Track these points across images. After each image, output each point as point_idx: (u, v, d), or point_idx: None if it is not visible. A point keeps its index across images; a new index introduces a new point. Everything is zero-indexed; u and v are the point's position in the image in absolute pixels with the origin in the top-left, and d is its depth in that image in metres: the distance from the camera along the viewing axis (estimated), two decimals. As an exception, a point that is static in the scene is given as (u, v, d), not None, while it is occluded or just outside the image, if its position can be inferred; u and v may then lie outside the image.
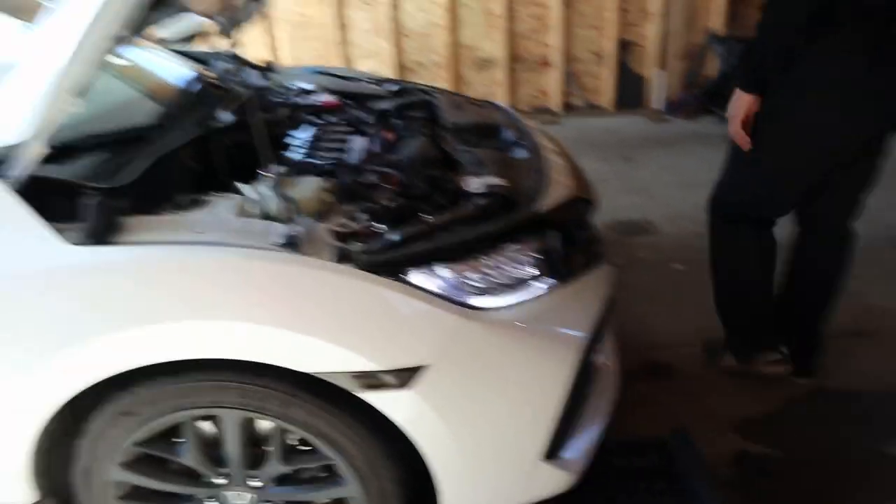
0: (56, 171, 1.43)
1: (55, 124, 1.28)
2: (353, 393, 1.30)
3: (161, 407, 1.34)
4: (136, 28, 1.49)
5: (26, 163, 1.27)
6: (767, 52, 1.91)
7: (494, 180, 1.64)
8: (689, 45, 5.73)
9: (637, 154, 4.84)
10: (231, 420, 1.37)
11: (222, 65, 2.68)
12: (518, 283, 1.47)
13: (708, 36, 5.69)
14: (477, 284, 1.40)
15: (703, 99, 5.70)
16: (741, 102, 1.98)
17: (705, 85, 5.77)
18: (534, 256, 1.51)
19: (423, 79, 5.73)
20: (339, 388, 1.30)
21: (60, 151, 1.51)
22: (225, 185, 1.75)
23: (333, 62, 5.62)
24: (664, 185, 4.21)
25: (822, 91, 1.89)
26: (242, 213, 1.47)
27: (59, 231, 1.27)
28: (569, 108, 5.89)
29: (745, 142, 2.05)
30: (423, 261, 1.35)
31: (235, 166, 1.87)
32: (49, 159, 1.48)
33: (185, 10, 2.11)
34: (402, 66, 5.72)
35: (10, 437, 1.35)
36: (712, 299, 2.49)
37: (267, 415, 1.34)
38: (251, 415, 1.35)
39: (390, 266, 1.31)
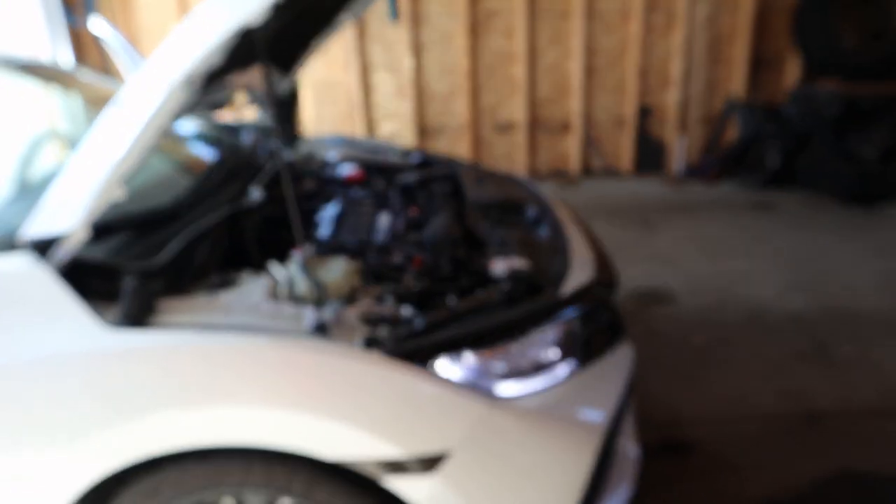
0: (94, 252, 1.48)
1: (98, 210, 1.33)
2: (377, 479, 1.31)
3: (187, 488, 1.36)
4: (181, 117, 1.57)
5: (70, 247, 1.32)
6: None
7: (519, 263, 1.67)
8: (709, 110, 5.82)
9: (656, 219, 4.87)
10: (255, 501, 1.38)
11: (251, 136, 2.78)
12: (541, 368, 1.49)
13: (728, 102, 5.78)
14: (501, 370, 1.42)
15: (723, 164, 5.76)
16: None
17: (725, 150, 5.83)
18: (556, 340, 1.53)
19: (444, 140, 5.87)
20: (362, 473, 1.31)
21: (101, 230, 1.57)
22: (255, 262, 1.81)
23: (356, 123, 5.77)
24: (684, 252, 4.23)
25: None
26: (273, 294, 1.51)
27: (98, 312, 1.31)
28: (587, 171, 5.98)
29: None
30: (450, 348, 1.37)
31: (265, 242, 1.93)
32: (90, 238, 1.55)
33: (227, 87, 2.21)
34: (423, 128, 5.85)
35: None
36: (733, 373, 2.47)
37: (290, 496, 1.35)
38: (274, 497, 1.36)
39: (417, 353, 1.33)
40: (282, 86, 2.77)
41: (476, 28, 5.57)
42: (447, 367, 1.36)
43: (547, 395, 1.45)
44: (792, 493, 2.14)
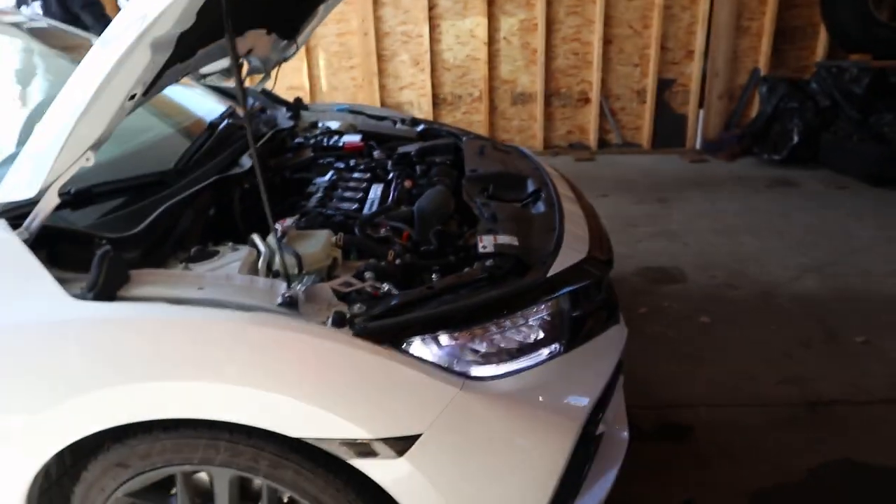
0: (71, 220, 1.46)
1: (66, 177, 1.30)
2: (345, 459, 1.28)
3: (154, 460, 1.34)
4: (160, 84, 1.52)
5: (39, 215, 1.30)
6: None
7: (506, 240, 1.61)
8: (731, 84, 5.66)
9: (672, 195, 4.76)
10: (222, 478, 1.36)
11: (254, 102, 2.74)
12: (522, 349, 1.44)
13: (753, 73, 5.61)
14: (479, 351, 1.37)
15: (744, 139, 5.61)
16: None
17: (747, 125, 5.68)
18: (540, 322, 1.48)
19: (461, 111, 5.77)
20: (329, 453, 1.28)
21: (83, 197, 1.55)
22: (240, 233, 1.77)
23: (371, 92, 5.70)
24: (698, 230, 4.13)
25: None
26: (249, 267, 1.47)
27: (66, 283, 1.29)
28: (604, 144, 5.86)
29: None
30: (424, 328, 1.32)
31: (252, 212, 1.89)
32: (72, 205, 1.53)
33: (222, 54, 2.16)
34: (439, 98, 5.76)
35: (8, 478, 1.37)
36: (737, 356, 2.40)
37: (256, 475, 1.33)
38: (241, 474, 1.34)
39: (388, 332, 1.29)
40: (287, 52, 2.72)
41: (494, -5, 5.45)
42: (420, 348, 1.31)
43: (526, 378, 1.40)
44: (788, 483, 2.08)
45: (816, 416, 2.39)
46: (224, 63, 2.63)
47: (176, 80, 1.70)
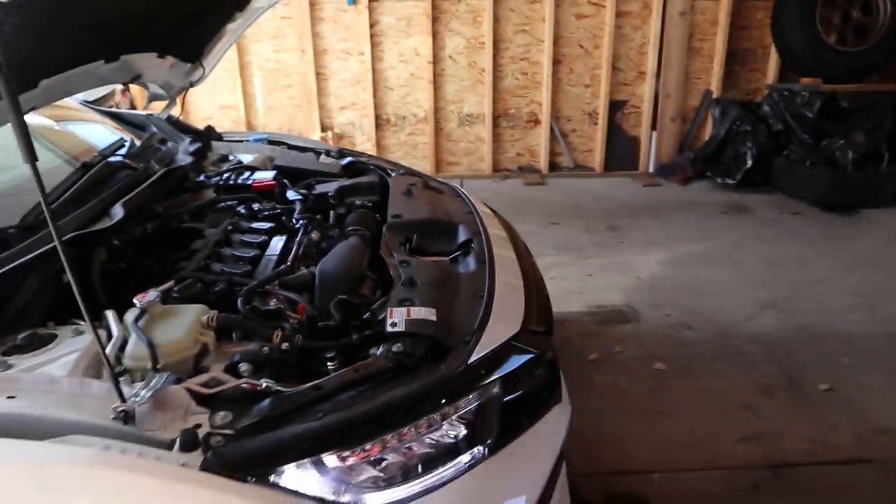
0: None
1: None
2: None
3: None
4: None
5: None
6: None
7: (422, 313, 1.34)
8: (684, 106, 5.51)
9: (624, 222, 4.56)
10: None
11: (154, 132, 2.42)
12: (435, 460, 1.16)
13: (705, 95, 5.48)
14: (377, 474, 1.09)
15: (697, 162, 5.47)
16: None
17: (699, 148, 5.54)
18: (460, 422, 1.20)
19: (404, 132, 5.51)
20: None
21: None
22: (99, 305, 1.45)
23: (309, 112, 5.38)
24: (651, 261, 3.92)
25: None
26: (90, 359, 1.17)
27: None
28: (555, 167, 5.65)
29: None
30: (303, 449, 1.03)
31: (123, 275, 1.57)
32: None
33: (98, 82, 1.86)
34: (381, 119, 5.48)
35: None
36: (695, 410, 2.16)
37: None
38: None
39: (252, 460, 0.99)
40: (193, 77, 2.41)
41: (438, 13, 5.19)
42: (296, 476, 1.02)
43: (441, 497, 1.13)
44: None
45: (781, 482, 2.16)
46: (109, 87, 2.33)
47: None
